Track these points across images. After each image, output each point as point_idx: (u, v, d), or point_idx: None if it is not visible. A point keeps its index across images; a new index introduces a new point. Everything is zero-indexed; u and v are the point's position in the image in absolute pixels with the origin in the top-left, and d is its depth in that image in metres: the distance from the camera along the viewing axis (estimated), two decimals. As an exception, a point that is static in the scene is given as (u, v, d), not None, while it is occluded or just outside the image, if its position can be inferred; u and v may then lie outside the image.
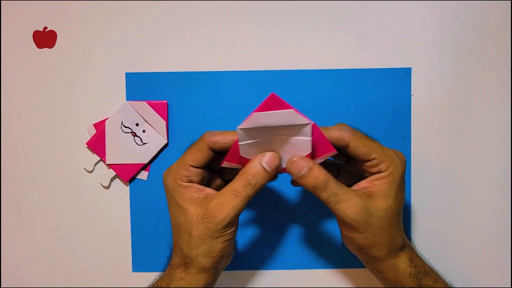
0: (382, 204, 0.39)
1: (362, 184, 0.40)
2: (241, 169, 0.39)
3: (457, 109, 0.49)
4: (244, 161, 0.39)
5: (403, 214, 0.42)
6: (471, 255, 0.49)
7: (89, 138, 0.49)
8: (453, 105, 0.49)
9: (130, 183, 0.50)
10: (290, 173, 0.39)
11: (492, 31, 0.48)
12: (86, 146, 0.49)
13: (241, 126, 0.37)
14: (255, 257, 0.50)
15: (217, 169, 0.43)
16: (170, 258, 0.43)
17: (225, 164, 0.40)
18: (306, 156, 0.38)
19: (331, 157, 0.40)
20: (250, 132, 0.37)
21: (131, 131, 0.49)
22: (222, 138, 0.39)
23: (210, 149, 0.39)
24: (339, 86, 0.48)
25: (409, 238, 0.49)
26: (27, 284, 0.50)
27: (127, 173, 0.49)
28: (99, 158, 0.49)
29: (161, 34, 0.49)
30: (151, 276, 0.44)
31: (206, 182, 0.42)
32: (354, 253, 0.44)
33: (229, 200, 0.38)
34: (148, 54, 0.49)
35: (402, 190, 0.40)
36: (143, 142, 0.49)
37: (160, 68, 0.49)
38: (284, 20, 0.48)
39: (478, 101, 0.48)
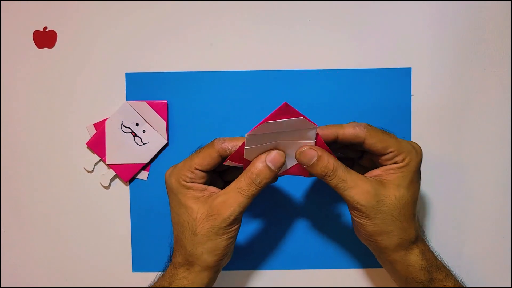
0: (394, 192, 0.39)
1: (375, 171, 0.41)
2: (242, 167, 0.40)
3: (457, 109, 0.49)
4: (246, 162, 0.39)
5: None
6: (471, 255, 0.49)
7: (89, 138, 0.49)
8: (453, 105, 0.49)
9: (130, 183, 0.50)
10: (299, 163, 0.39)
11: (492, 31, 0.48)
12: (86, 146, 0.49)
13: (251, 133, 0.37)
14: (255, 257, 0.50)
15: (219, 171, 0.43)
16: (171, 257, 0.43)
17: (227, 162, 0.40)
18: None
19: (344, 153, 0.40)
20: (257, 138, 0.37)
21: (131, 131, 0.49)
22: (232, 145, 0.39)
23: (220, 155, 0.40)
24: (339, 86, 0.48)
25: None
26: (27, 284, 0.50)
27: (127, 173, 0.49)
28: (99, 158, 0.49)
29: (161, 34, 0.49)
30: (151, 276, 0.44)
31: (209, 182, 0.42)
32: (365, 243, 0.43)
33: (234, 197, 0.38)
34: (148, 54, 0.49)
35: (417, 180, 0.41)
36: (143, 142, 0.49)
37: (160, 68, 0.49)
38: (284, 20, 0.48)
39: (478, 101, 0.48)
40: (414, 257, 0.41)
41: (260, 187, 0.39)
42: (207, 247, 0.39)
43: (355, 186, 0.38)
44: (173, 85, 0.49)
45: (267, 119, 0.36)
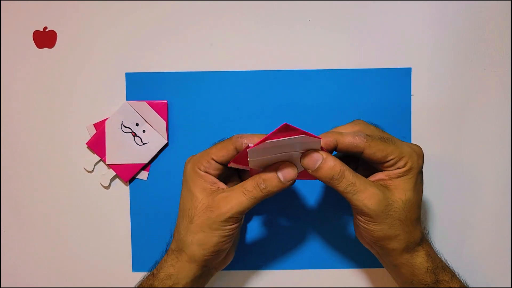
0: (401, 196, 0.39)
1: (378, 175, 0.40)
2: (247, 170, 0.40)
3: (457, 109, 0.49)
4: (252, 169, 0.40)
5: None
6: (471, 255, 0.49)
7: (89, 138, 0.49)
8: (453, 105, 0.49)
9: (130, 183, 0.50)
10: (305, 168, 0.38)
11: (492, 31, 0.48)
12: (86, 146, 0.49)
13: (252, 149, 0.36)
14: (256, 257, 0.50)
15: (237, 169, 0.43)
16: (169, 244, 0.43)
17: (231, 165, 0.40)
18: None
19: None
20: (261, 151, 0.37)
21: (131, 131, 0.49)
22: (249, 140, 0.39)
23: (236, 149, 0.40)
24: (339, 86, 0.48)
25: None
26: (27, 284, 0.50)
27: (127, 173, 0.49)
28: (99, 158, 0.49)
29: (161, 34, 0.49)
30: (151, 276, 0.44)
31: (223, 179, 0.42)
32: (369, 247, 0.43)
33: (236, 195, 0.39)
34: (148, 54, 0.49)
35: (420, 182, 0.40)
36: (143, 142, 0.49)
37: (160, 68, 0.49)
38: (284, 20, 0.48)
39: (478, 101, 0.48)
40: (420, 259, 0.40)
41: (264, 193, 0.38)
42: (197, 238, 0.39)
43: (364, 190, 0.37)
44: (173, 85, 0.49)
45: (268, 137, 0.35)
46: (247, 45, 0.49)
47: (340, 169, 0.37)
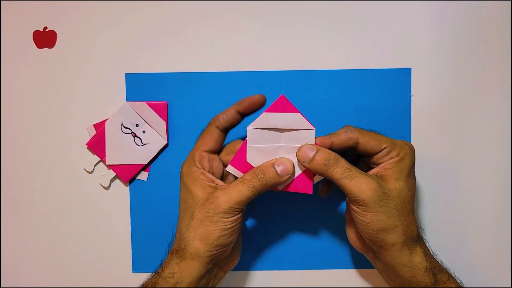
0: (394, 185, 0.40)
1: (373, 170, 0.41)
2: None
3: (457, 109, 0.49)
4: (249, 169, 0.40)
5: None
6: (471, 255, 0.49)
7: (89, 138, 0.49)
8: (453, 105, 0.49)
9: (130, 183, 0.50)
10: (300, 161, 0.40)
11: (492, 31, 0.48)
12: (86, 146, 0.49)
13: (252, 125, 0.39)
14: (255, 257, 0.50)
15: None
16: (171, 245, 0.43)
17: (229, 168, 0.40)
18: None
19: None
20: (259, 135, 0.39)
21: (131, 131, 0.49)
22: (224, 114, 0.42)
23: (218, 128, 0.42)
24: (339, 86, 0.48)
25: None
26: (27, 284, 0.51)
27: (127, 174, 0.49)
28: (99, 159, 0.49)
29: (161, 34, 0.49)
30: (151, 277, 0.44)
31: (221, 176, 0.43)
32: (365, 250, 0.43)
33: (234, 186, 0.39)
34: (148, 54, 0.49)
35: (413, 176, 0.41)
36: (143, 142, 0.49)
37: (160, 68, 0.49)
38: (284, 20, 0.48)
39: (478, 101, 0.48)
40: (419, 258, 0.40)
41: (262, 182, 0.39)
42: (199, 232, 0.40)
43: (361, 176, 0.39)
44: (173, 85, 0.49)
45: (266, 111, 0.38)
46: (247, 45, 0.49)
47: (335, 156, 0.39)
